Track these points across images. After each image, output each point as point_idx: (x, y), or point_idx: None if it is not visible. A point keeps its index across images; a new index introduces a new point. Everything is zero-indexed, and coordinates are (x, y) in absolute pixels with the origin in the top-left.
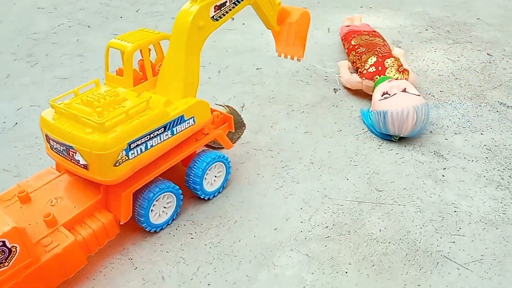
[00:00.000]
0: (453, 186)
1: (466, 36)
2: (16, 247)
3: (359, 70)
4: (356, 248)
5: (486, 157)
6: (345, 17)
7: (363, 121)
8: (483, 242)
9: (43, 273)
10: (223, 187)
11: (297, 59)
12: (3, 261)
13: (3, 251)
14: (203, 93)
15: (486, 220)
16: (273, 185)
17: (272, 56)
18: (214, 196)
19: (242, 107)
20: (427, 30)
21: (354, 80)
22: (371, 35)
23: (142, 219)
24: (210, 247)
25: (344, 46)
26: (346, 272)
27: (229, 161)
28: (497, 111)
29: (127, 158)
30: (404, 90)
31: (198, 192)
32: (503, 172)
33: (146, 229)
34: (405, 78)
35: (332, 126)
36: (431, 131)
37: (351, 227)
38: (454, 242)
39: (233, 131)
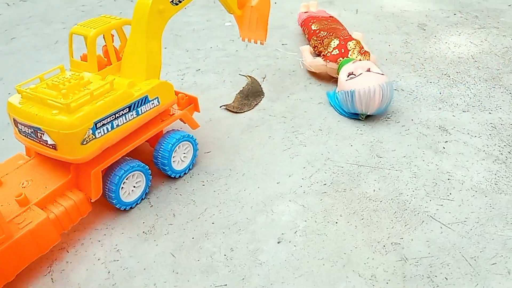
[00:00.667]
0: (451, 157)
1: (494, 22)
2: None
3: (322, 53)
4: (349, 203)
5: (490, 134)
6: (302, 3)
7: (330, 103)
8: (470, 207)
9: (18, 249)
10: (192, 164)
11: (260, 42)
12: None
13: None
14: (228, 64)
15: (477, 189)
16: (282, 146)
17: (299, 34)
18: (185, 173)
19: (264, 78)
20: (455, 14)
21: (318, 63)
22: (329, 20)
23: (113, 196)
24: (218, 193)
25: (304, 32)
26: (336, 223)
27: (195, 140)
28: (510, 93)
29: (94, 137)
30: (369, 70)
31: (168, 172)
32: (503, 148)
33: (117, 207)
34: (367, 59)
35: None
36: (439, 108)
37: (348, 186)
38: (442, 205)
39: (199, 112)
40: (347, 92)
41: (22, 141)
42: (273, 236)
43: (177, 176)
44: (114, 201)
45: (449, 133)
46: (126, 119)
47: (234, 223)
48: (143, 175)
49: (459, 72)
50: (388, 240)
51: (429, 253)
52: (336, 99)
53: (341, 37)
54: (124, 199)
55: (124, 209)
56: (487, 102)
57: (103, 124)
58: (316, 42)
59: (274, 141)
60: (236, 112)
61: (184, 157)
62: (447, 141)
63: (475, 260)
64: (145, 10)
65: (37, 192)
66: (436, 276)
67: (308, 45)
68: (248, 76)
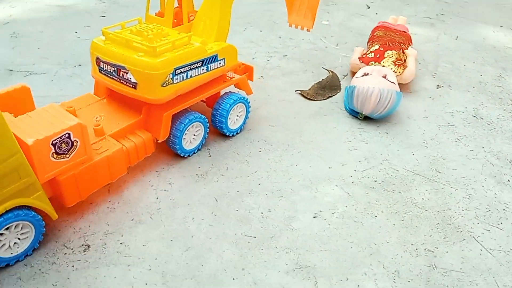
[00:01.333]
0: None
1: None
2: (77, 141)
3: (362, 54)
4: (393, 203)
5: None
6: (391, 16)
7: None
8: None
9: (94, 172)
10: (244, 125)
11: (307, 29)
12: (66, 152)
13: (67, 142)
14: (315, 57)
15: None
16: (343, 138)
17: None
18: (237, 133)
19: (345, 76)
20: None
21: (354, 62)
22: (397, 34)
23: (176, 142)
24: (271, 162)
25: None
26: (376, 216)
27: (249, 103)
28: None
29: (172, 82)
30: (384, 77)
31: (224, 130)
32: None
33: (179, 154)
34: (399, 72)
35: (419, 112)
36: None
37: (397, 188)
38: (489, 230)
39: (253, 80)
40: (350, 87)
41: (100, 79)
42: (311, 210)
43: (231, 134)
44: (176, 147)
45: None
46: (198, 72)
47: (278, 189)
48: (202, 126)
49: None
50: (422, 245)
51: (460, 269)
52: (346, 92)
53: (385, 45)
54: (185, 146)
55: (183, 156)
56: None
57: (181, 72)
58: (369, 46)
59: (338, 132)
60: (308, 99)
61: (237, 118)
62: None
63: None
64: None
65: (110, 126)
66: None
67: (363, 48)
68: (330, 70)
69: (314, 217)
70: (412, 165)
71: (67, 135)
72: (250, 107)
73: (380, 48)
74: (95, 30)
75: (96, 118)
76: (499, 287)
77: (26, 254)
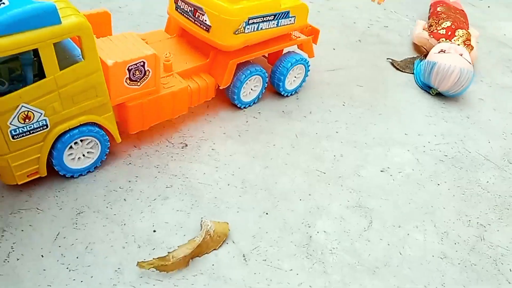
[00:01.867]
0: None
1: None
2: (149, 71)
3: (431, 29)
4: (458, 179)
5: None
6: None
7: (413, 72)
8: None
9: (159, 105)
10: (300, 86)
11: (378, 2)
12: (138, 80)
13: (141, 70)
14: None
15: None
16: (424, 112)
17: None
18: (291, 94)
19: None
20: None
21: (423, 36)
22: (457, 12)
23: (235, 91)
24: (352, 116)
25: (429, 11)
26: (438, 184)
27: (309, 66)
28: None
29: (243, 31)
30: (461, 54)
31: (280, 89)
32: None
33: (235, 104)
34: (468, 51)
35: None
36: None
37: (465, 167)
38: None
39: (316, 43)
40: (429, 62)
41: (175, 17)
42: (380, 165)
43: (285, 94)
44: (235, 96)
45: None
46: (268, 25)
47: (354, 141)
48: (261, 80)
49: None
50: (476, 219)
51: (507, 247)
52: (419, 68)
53: (455, 23)
54: (243, 98)
55: (239, 107)
56: None
57: (254, 23)
58: (433, 21)
59: (419, 106)
60: (397, 69)
61: (294, 79)
62: None
63: None
64: None
65: (178, 64)
66: (502, 263)
67: (425, 21)
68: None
69: (381, 171)
70: (485, 151)
71: (142, 63)
72: (309, 70)
73: (452, 26)
74: None
75: (166, 54)
76: None
77: (88, 170)
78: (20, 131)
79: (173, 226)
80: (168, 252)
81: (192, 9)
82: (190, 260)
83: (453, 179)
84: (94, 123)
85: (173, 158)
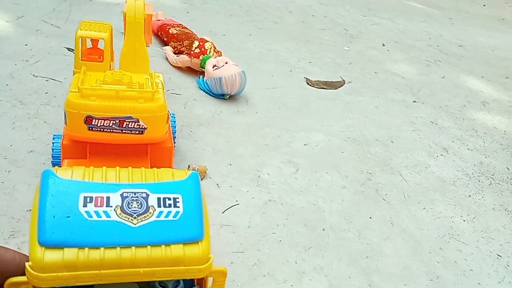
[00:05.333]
0: None
1: None
2: None
3: (186, 52)
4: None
5: None
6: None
7: (200, 88)
8: None
9: None
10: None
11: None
12: None
13: None
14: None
15: None
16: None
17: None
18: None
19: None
20: None
21: (184, 59)
22: (181, 27)
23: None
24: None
25: (162, 36)
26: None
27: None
28: None
29: None
30: (226, 62)
31: None
32: None
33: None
34: (219, 55)
35: None
36: None
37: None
38: None
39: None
40: (216, 78)
41: (87, 139)
42: (303, 141)
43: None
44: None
45: None
46: None
47: (287, 129)
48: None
49: None
50: (366, 168)
51: (385, 184)
52: (205, 85)
53: (198, 40)
54: None
55: None
56: None
57: None
58: (175, 43)
59: (332, 109)
60: (311, 86)
61: None
62: None
63: None
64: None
65: None
66: (379, 191)
67: (169, 46)
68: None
69: (305, 144)
70: (374, 135)
71: None
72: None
73: (200, 43)
74: None
75: None
76: None
77: None
78: None
79: None
80: None
81: (117, 121)
82: None
83: (351, 149)
84: None
85: None
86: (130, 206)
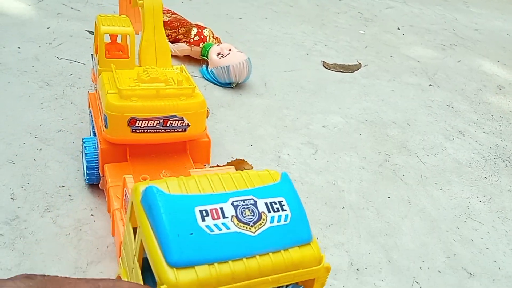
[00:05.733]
0: None
1: None
2: None
3: (184, 40)
4: None
5: None
6: None
7: (205, 77)
8: None
9: None
10: None
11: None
12: None
13: None
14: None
15: None
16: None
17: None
18: None
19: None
20: None
21: (183, 47)
22: (171, 13)
23: None
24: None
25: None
26: None
27: None
28: None
29: None
30: (230, 50)
31: None
32: None
33: None
34: (219, 42)
35: None
36: None
37: None
38: None
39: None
40: (223, 67)
41: (132, 141)
42: (321, 123)
43: None
44: None
45: None
46: None
47: (305, 111)
48: None
49: None
50: (384, 151)
51: (402, 165)
52: (211, 74)
53: (196, 27)
54: None
55: None
56: None
57: None
58: (170, 31)
59: (348, 92)
60: (328, 69)
61: None
62: None
63: None
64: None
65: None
66: (397, 172)
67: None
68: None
69: (323, 127)
70: (391, 118)
71: None
72: None
73: (199, 31)
74: None
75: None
76: None
77: None
78: None
79: None
80: None
81: (161, 121)
82: None
83: (369, 132)
84: None
85: None
86: (244, 215)
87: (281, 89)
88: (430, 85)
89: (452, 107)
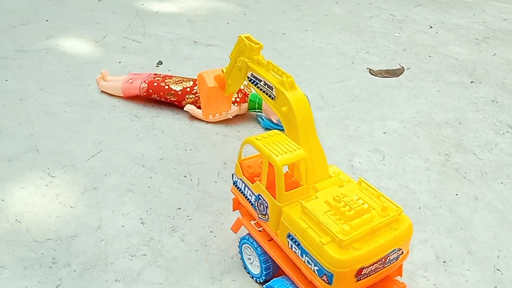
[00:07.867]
0: None
1: None
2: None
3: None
4: None
5: None
6: (98, 76)
7: (270, 128)
8: None
9: None
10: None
11: (225, 113)
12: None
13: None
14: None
15: None
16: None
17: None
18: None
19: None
20: None
21: (233, 110)
22: (167, 77)
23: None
24: None
25: (159, 96)
26: None
27: None
28: None
29: None
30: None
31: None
32: None
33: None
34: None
35: None
36: None
37: None
38: None
39: None
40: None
41: None
42: (382, 130)
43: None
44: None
45: None
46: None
47: (364, 119)
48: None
49: None
50: (443, 151)
51: (461, 163)
52: (279, 123)
53: (190, 81)
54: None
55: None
56: None
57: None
58: (194, 98)
59: (399, 97)
60: (375, 75)
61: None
62: None
63: None
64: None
65: None
66: (459, 170)
67: (189, 104)
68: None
69: (384, 133)
70: (443, 119)
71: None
72: None
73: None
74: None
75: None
76: None
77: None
78: None
79: None
80: None
81: (383, 259)
82: None
83: (426, 134)
84: None
85: None
86: None
87: (337, 100)
88: (472, 81)
89: (497, 102)
